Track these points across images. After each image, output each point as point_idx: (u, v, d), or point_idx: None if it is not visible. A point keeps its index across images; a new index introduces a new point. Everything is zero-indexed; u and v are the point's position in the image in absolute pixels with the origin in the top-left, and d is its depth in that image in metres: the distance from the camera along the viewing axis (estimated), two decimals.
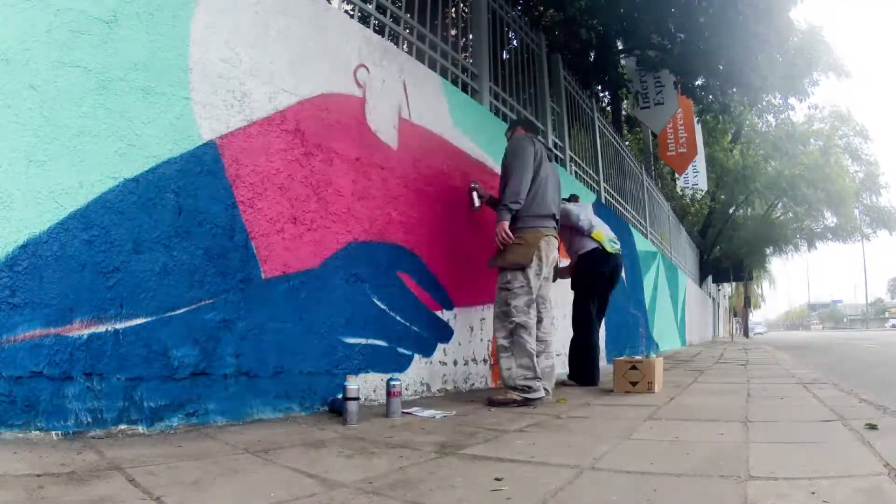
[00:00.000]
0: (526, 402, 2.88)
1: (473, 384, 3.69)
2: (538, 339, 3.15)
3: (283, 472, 1.52)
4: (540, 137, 3.52)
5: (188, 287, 2.09)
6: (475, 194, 3.48)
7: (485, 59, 4.42)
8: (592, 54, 8.35)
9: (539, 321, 3.21)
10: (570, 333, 4.12)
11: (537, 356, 3.08)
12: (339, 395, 2.53)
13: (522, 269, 3.05)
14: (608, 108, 10.08)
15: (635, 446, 1.88)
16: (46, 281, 1.73)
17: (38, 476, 1.33)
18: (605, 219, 6.78)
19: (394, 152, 3.13)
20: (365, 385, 2.80)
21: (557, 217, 3.32)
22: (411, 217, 3.23)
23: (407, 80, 3.30)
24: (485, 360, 3.86)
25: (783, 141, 18.04)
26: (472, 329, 3.74)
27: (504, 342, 3.02)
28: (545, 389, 3.09)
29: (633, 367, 3.44)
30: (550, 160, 3.35)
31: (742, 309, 25.29)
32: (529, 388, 2.92)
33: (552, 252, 3.21)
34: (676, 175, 14.60)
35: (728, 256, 21.23)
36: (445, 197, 3.55)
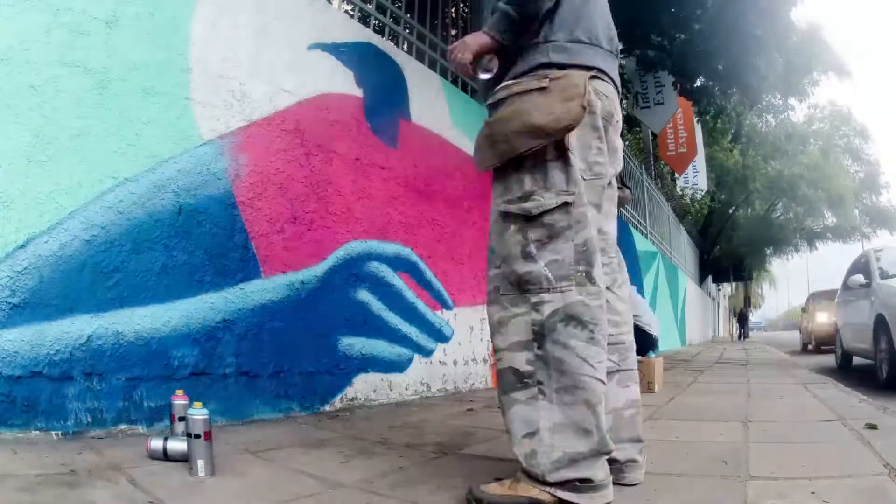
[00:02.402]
0: None
1: (473, 384, 3.69)
2: (614, 342, 1.38)
3: (283, 472, 1.52)
4: None
5: (188, 287, 2.09)
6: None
7: None
8: None
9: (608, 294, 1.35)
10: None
11: (609, 377, 1.31)
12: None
13: (562, 157, 1.24)
14: None
15: None
16: (46, 281, 1.73)
17: (38, 476, 1.33)
18: None
19: (394, 152, 3.13)
20: (365, 385, 2.81)
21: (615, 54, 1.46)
22: (411, 217, 3.23)
23: (407, 79, 3.30)
24: (485, 360, 3.86)
25: (783, 141, 18.04)
26: (472, 329, 3.74)
27: (519, 359, 1.21)
28: (630, 466, 1.38)
29: None
30: None
31: (742, 308, 25.31)
32: (581, 481, 1.15)
33: (615, 112, 1.39)
34: (676, 175, 14.60)
35: (728, 256, 21.25)
36: (445, 197, 3.55)
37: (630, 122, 11.59)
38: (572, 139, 1.25)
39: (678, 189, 15.26)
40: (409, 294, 3.19)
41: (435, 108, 3.55)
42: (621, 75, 9.90)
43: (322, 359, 2.59)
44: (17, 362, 1.66)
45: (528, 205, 1.23)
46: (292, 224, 2.50)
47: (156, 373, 1.97)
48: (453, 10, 4.55)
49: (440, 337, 3.44)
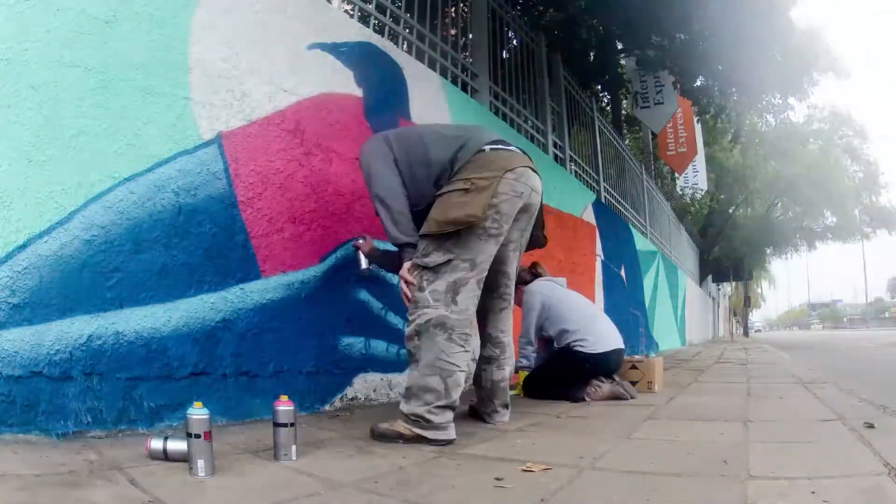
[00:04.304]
0: (419, 440, 1.89)
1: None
2: (494, 342, 2.29)
3: (284, 471, 1.52)
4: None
5: (188, 287, 2.09)
6: (360, 254, 2.58)
7: (485, 59, 4.42)
8: (592, 54, 8.34)
9: (495, 312, 2.28)
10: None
11: (485, 367, 2.30)
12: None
13: (458, 231, 1.95)
14: (608, 108, 10.08)
15: (635, 446, 1.89)
16: (46, 281, 1.73)
17: (38, 476, 1.33)
18: (605, 219, 6.83)
19: None
20: (365, 385, 2.81)
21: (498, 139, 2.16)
22: None
23: (407, 79, 3.30)
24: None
25: (783, 141, 18.04)
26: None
27: (409, 345, 2.01)
28: (497, 414, 2.32)
29: (633, 367, 3.45)
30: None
31: (742, 308, 25.29)
32: (429, 422, 1.90)
33: (524, 195, 2.08)
34: (676, 175, 14.60)
35: (728, 256, 21.25)
36: None
37: (630, 122, 11.60)
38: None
39: (678, 189, 15.26)
40: None
41: (435, 107, 3.54)
42: (622, 75, 9.91)
43: (322, 359, 2.59)
44: (17, 362, 1.65)
45: (427, 260, 1.99)
46: (292, 224, 2.50)
47: (156, 373, 1.97)
48: (453, 10, 4.54)
49: None
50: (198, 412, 1.44)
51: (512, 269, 2.24)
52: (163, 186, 2.03)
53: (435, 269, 1.96)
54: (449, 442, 1.91)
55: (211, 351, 2.14)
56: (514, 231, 2.15)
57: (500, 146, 2.11)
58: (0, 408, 1.62)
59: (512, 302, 2.35)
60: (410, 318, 2.00)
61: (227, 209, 2.24)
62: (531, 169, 2.13)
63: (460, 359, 1.96)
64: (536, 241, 2.37)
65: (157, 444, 1.54)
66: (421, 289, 1.98)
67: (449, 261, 1.95)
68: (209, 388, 2.12)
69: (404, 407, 1.94)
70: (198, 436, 1.42)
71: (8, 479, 1.29)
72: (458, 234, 1.94)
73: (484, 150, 2.05)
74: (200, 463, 1.41)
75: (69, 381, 1.75)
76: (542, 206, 2.28)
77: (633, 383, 3.38)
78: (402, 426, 1.92)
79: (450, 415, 1.95)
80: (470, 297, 2.00)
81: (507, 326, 2.31)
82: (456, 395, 1.95)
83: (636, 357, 3.66)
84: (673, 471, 1.50)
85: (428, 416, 1.89)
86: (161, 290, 2.00)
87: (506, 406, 2.36)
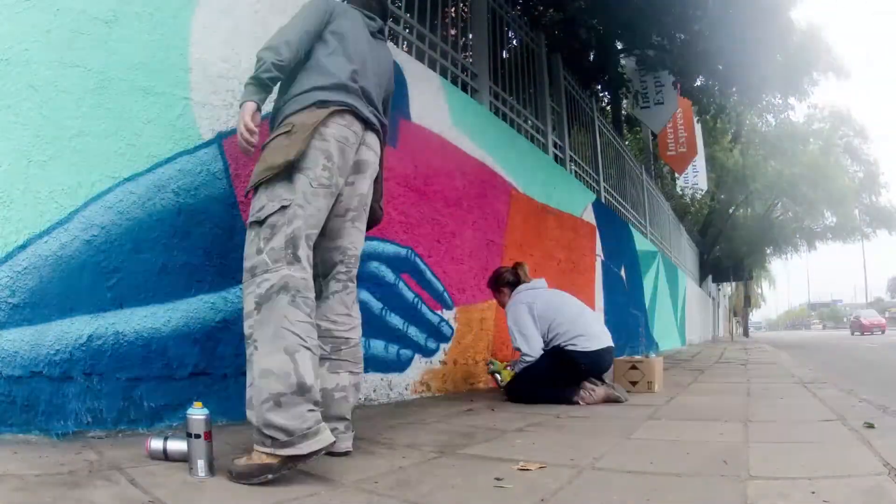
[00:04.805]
0: (287, 463, 1.41)
1: (473, 384, 3.69)
2: (329, 335, 1.75)
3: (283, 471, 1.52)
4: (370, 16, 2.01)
5: (188, 287, 2.09)
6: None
7: (485, 59, 4.43)
8: (592, 54, 8.34)
9: (328, 293, 1.81)
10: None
11: (320, 363, 1.63)
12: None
13: (289, 175, 1.63)
14: (608, 108, 10.08)
15: (635, 446, 1.88)
16: (46, 281, 1.73)
17: (38, 476, 1.33)
18: (605, 219, 6.82)
19: (393, 152, 3.13)
20: (365, 385, 2.80)
21: (373, 98, 1.87)
22: (411, 217, 3.23)
23: (407, 79, 3.30)
24: (485, 360, 3.85)
25: (783, 141, 18.05)
26: (472, 328, 3.74)
27: (246, 325, 1.56)
28: (338, 436, 1.62)
29: (633, 367, 3.45)
30: (377, 37, 2.00)
31: (742, 308, 25.30)
32: (289, 432, 1.41)
33: (355, 150, 1.79)
34: (676, 175, 14.60)
35: (728, 256, 21.26)
36: (445, 196, 3.55)
37: (630, 122, 11.60)
38: (302, 160, 1.64)
39: (678, 189, 15.26)
40: (409, 294, 3.18)
41: (435, 107, 3.54)
42: (622, 75, 9.91)
43: None
44: (17, 362, 1.66)
45: (259, 213, 1.63)
46: None
47: (156, 373, 1.97)
48: (453, 10, 4.55)
49: (440, 336, 3.43)
50: (198, 412, 1.44)
51: (350, 244, 1.84)
52: (163, 186, 2.03)
53: (270, 223, 1.60)
54: (328, 447, 1.45)
55: (211, 351, 2.14)
56: (353, 198, 1.83)
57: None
58: (0, 408, 1.62)
59: (354, 287, 1.88)
60: (247, 290, 1.57)
61: (227, 209, 2.24)
62: (369, 126, 1.83)
63: (305, 330, 1.53)
64: (373, 213, 1.98)
65: (157, 444, 1.54)
66: (259, 251, 1.58)
67: (283, 207, 1.60)
68: (209, 388, 2.12)
69: (252, 417, 1.46)
70: (198, 436, 1.42)
71: (8, 479, 1.29)
72: (290, 179, 1.63)
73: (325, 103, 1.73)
74: (200, 463, 1.41)
75: (69, 381, 1.75)
76: (381, 174, 1.98)
77: (633, 383, 3.38)
78: (261, 453, 1.42)
79: (311, 410, 1.46)
80: (309, 255, 1.64)
81: (345, 320, 1.81)
82: (310, 379, 1.47)
83: (636, 357, 3.66)
84: (673, 471, 1.50)
85: (283, 422, 1.41)
86: (161, 290, 2.00)
87: (345, 423, 1.74)
